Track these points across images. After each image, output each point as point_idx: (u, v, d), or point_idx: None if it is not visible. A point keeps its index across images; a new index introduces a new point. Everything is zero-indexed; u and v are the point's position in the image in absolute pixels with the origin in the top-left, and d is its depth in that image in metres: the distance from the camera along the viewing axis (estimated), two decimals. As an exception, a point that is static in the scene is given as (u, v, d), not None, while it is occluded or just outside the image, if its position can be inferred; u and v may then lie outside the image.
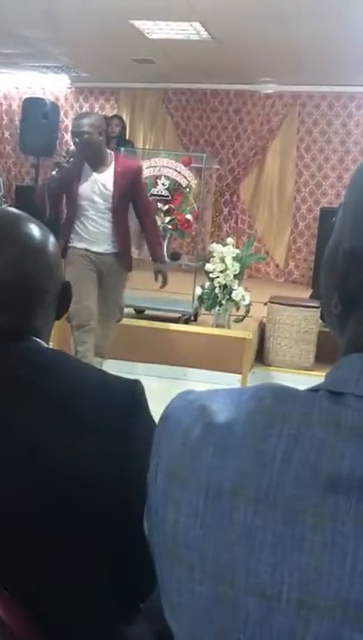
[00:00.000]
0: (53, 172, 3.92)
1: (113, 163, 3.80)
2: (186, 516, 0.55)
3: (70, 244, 3.84)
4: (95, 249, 3.84)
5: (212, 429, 0.56)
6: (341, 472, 0.49)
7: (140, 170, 4.04)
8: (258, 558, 0.50)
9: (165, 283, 4.23)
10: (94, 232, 3.82)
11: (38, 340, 0.92)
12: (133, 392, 0.89)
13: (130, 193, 3.83)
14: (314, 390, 0.55)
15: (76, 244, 3.84)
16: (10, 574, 0.81)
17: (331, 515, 0.49)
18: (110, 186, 3.76)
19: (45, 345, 0.93)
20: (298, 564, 0.49)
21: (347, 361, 0.55)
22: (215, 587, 0.53)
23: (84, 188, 3.77)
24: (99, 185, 3.77)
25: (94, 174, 3.77)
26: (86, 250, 3.83)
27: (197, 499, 0.54)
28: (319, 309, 4.83)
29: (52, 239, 0.95)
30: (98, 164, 3.77)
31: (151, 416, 0.90)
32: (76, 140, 3.71)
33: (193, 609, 0.54)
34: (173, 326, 4.96)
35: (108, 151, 3.89)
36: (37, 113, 8.17)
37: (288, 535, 0.50)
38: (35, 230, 0.92)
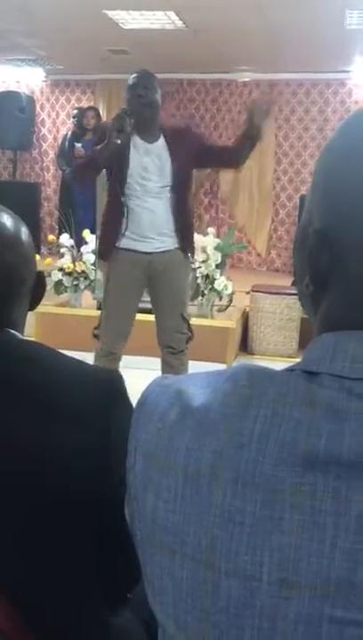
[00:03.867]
0: (116, 140, 2.84)
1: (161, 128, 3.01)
2: (165, 500, 0.55)
3: (116, 244, 3.03)
4: (147, 248, 3.02)
5: (188, 412, 0.56)
6: (317, 450, 0.49)
7: (191, 123, 3.30)
8: (238, 540, 0.50)
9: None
10: (147, 223, 2.98)
11: (14, 331, 0.91)
12: (112, 382, 0.89)
13: (193, 159, 2.99)
14: (290, 370, 0.55)
15: (123, 242, 3.01)
16: None
17: (309, 493, 0.49)
18: (167, 156, 2.95)
19: (21, 337, 0.92)
20: (278, 544, 0.49)
21: (320, 340, 0.55)
22: (196, 570, 0.52)
23: (135, 165, 2.95)
24: (153, 157, 2.96)
25: (144, 145, 2.97)
26: (135, 251, 3.02)
27: (176, 482, 0.54)
28: (301, 297, 4.87)
29: (25, 229, 0.94)
30: (154, 134, 2.98)
31: (131, 405, 0.90)
32: (141, 93, 2.93)
33: (175, 593, 0.54)
34: (154, 317, 4.95)
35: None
36: (13, 107, 8.09)
37: (267, 515, 0.50)
38: (8, 220, 0.91)
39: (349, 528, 0.48)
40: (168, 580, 0.55)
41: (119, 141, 2.82)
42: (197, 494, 0.53)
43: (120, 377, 0.92)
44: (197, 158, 3.02)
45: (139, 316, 4.88)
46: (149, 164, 2.96)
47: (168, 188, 2.97)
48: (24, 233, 0.93)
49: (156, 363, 4.71)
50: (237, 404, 0.53)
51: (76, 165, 3.41)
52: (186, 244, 3.08)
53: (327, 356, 0.53)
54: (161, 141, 2.99)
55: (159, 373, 4.52)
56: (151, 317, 4.69)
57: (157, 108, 2.99)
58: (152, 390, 0.61)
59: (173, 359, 3.31)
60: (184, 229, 3.06)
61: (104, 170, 3.05)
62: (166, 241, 3.03)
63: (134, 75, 3.08)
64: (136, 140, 2.97)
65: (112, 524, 0.80)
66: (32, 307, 0.97)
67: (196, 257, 4.12)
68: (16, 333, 0.91)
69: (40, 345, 0.94)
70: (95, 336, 3.30)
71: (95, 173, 3.14)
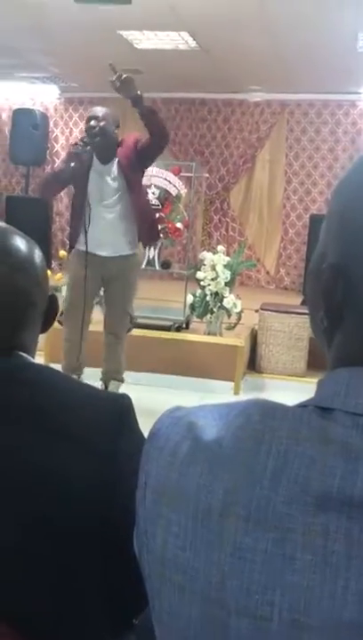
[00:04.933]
0: (71, 164, 3.55)
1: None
2: (175, 536, 0.54)
3: (76, 246, 3.68)
4: (103, 253, 3.65)
5: (200, 446, 0.55)
6: (331, 489, 0.49)
7: (136, 138, 3.73)
8: (249, 578, 0.50)
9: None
10: (98, 232, 3.58)
11: (25, 355, 0.91)
12: (122, 408, 0.89)
13: (137, 179, 3.65)
14: (303, 406, 0.55)
15: (81, 246, 3.61)
16: None
17: (322, 533, 0.48)
18: (118, 175, 3.60)
19: (32, 360, 0.92)
20: (290, 584, 0.48)
21: (334, 375, 0.55)
22: (206, 608, 0.52)
23: (92, 182, 3.59)
24: (105, 177, 3.60)
25: (99, 167, 3.62)
26: (93, 254, 3.59)
27: (186, 518, 0.53)
28: (311, 316, 4.85)
29: (38, 252, 0.94)
30: (107, 157, 3.60)
31: (140, 432, 0.89)
32: (93, 124, 3.56)
33: (184, 630, 0.53)
34: (164, 334, 4.96)
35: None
36: (27, 123, 8.18)
37: (279, 554, 0.49)
38: (22, 244, 0.91)
39: (361, 570, 0.47)
40: (177, 616, 0.54)
41: (73, 164, 3.51)
42: (208, 531, 0.52)
43: (129, 402, 0.92)
44: (137, 157, 3.61)
45: (145, 333, 4.90)
46: (104, 183, 3.60)
47: (121, 201, 3.62)
48: (37, 256, 0.93)
49: (162, 379, 4.72)
50: (250, 440, 0.53)
51: (44, 180, 3.95)
52: (135, 252, 3.75)
53: (341, 391, 0.52)
54: (115, 162, 3.62)
55: (166, 390, 4.52)
56: (158, 334, 4.70)
57: (109, 136, 3.59)
58: (163, 422, 0.60)
59: (114, 343, 3.94)
60: (140, 234, 3.71)
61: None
62: (121, 247, 3.68)
63: (90, 109, 3.79)
64: (95, 162, 3.61)
65: (117, 549, 0.79)
66: (44, 329, 0.97)
67: (199, 274, 4.89)
68: (27, 356, 0.91)
69: (50, 369, 0.94)
70: (60, 322, 3.72)
71: (59, 189, 3.82)
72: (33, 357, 0.93)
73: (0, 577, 0.81)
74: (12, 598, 0.81)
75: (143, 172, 3.83)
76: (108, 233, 3.63)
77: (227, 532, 0.51)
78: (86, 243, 3.53)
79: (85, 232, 3.52)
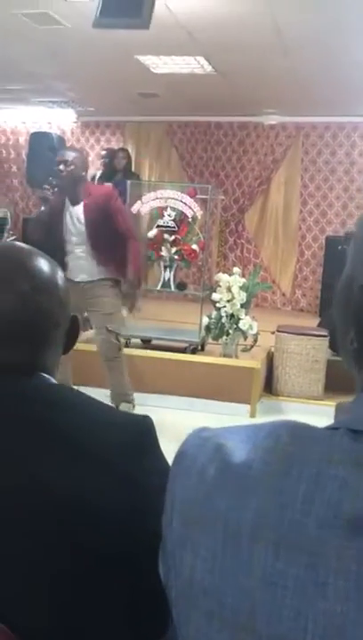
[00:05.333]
0: (42, 207, 4.00)
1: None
2: (203, 559, 0.53)
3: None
4: (78, 279, 3.89)
5: (228, 469, 0.54)
6: None
7: (109, 197, 4.00)
8: (280, 604, 0.48)
9: (131, 307, 4.16)
10: (75, 263, 3.93)
11: (47, 375, 0.90)
12: (144, 429, 0.88)
13: (103, 222, 3.88)
14: (334, 428, 0.54)
15: (65, 273, 3.96)
16: (19, 615, 0.78)
17: (355, 558, 0.47)
18: (82, 218, 3.89)
19: (53, 381, 0.92)
20: (322, 610, 0.47)
21: None
22: (235, 634, 0.50)
23: (66, 221, 3.92)
24: (74, 218, 3.91)
25: (70, 207, 3.91)
26: (72, 280, 3.78)
27: (215, 542, 0.52)
28: (328, 338, 4.82)
29: (60, 273, 0.95)
30: (76, 199, 3.89)
31: (162, 453, 0.89)
32: (61, 168, 3.80)
33: None
34: (179, 356, 4.94)
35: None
36: (44, 147, 8.28)
37: (311, 580, 0.48)
38: (45, 265, 0.92)
39: None
40: None
41: (43, 208, 3.95)
42: (237, 555, 0.51)
43: (151, 423, 0.91)
44: (108, 224, 3.91)
45: (160, 354, 4.89)
46: (74, 223, 3.90)
47: (84, 240, 3.90)
48: (59, 277, 0.93)
49: (178, 401, 4.69)
50: (280, 462, 0.52)
51: (32, 224, 4.24)
52: (111, 274, 4.00)
53: None
54: (80, 207, 3.88)
55: (182, 412, 4.49)
56: (173, 356, 4.71)
57: (78, 180, 3.85)
58: (190, 443, 0.59)
59: (110, 366, 4.10)
60: (108, 263, 3.96)
61: None
62: (93, 274, 3.95)
63: (62, 150, 4.12)
64: (67, 203, 3.91)
65: (142, 573, 0.78)
66: (65, 350, 0.97)
67: (214, 296, 4.95)
68: (49, 377, 0.91)
69: (72, 390, 0.93)
70: None
71: (44, 230, 4.02)
72: (55, 378, 0.93)
73: (22, 597, 0.80)
74: (34, 617, 0.80)
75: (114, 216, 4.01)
76: (82, 264, 3.93)
77: (257, 557, 0.50)
78: (65, 272, 3.77)
79: (64, 264, 3.87)
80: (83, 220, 3.88)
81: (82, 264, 3.93)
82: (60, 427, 0.84)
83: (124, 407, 4.00)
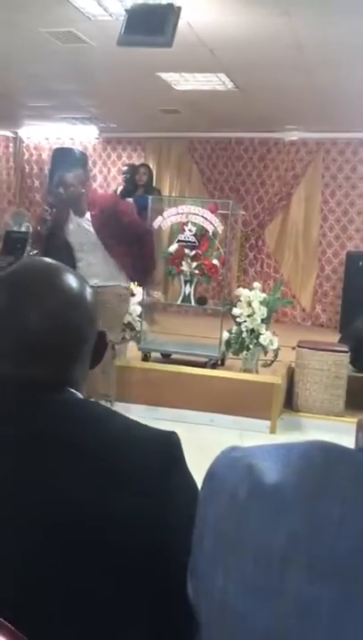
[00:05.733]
0: (39, 227, 4.26)
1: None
2: (235, 582, 0.52)
3: None
4: (90, 283, 4.10)
5: (260, 490, 0.54)
6: None
7: (113, 202, 4.29)
8: (314, 630, 0.47)
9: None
10: (88, 268, 4.06)
11: (75, 391, 0.91)
12: (170, 446, 0.87)
13: (113, 227, 4.10)
14: None
15: None
16: (42, 634, 0.78)
17: None
18: (92, 228, 4.12)
19: (81, 396, 0.92)
20: (356, 636, 0.46)
21: None
22: None
23: (73, 231, 4.15)
24: (83, 228, 4.14)
25: (76, 219, 4.15)
26: None
27: (247, 564, 0.52)
28: (349, 354, 4.78)
29: (89, 289, 0.95)
30: (81, 211, 4.14)
31: (188, 470, 0.88)
32: (61, 190, 4.06)
33: None
34: (199, 371, 4.93)
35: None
36: (67, 162, 8.37)
37: (345, 605, 0.47)
38: (74, 281, 0.92)
39: None
40: None
41: (42, 230, 4.19)
42: (269, 578, 0.50)
43: (178, 439, 0.90)
44: (117, 225, 4.10)
45: (180, 369, 4.88)
46: (82, 232, 4.13)
47: (96, 246, 4.12)
48: (88, 293, 0.94)
49: (198, 416, 4.67)
50: (313, 484, 0.51)
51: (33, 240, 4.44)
52: (125, 279, 4.23)
53: None
54: (87, 215, 4.11)
55: (202, 427, 4.47)
56: (193, 370, 4.72)
57: (77, 198, 4.08)
58: (221, 464, 0.59)
59: (102, 371, 4.17)
60: (125, 262, 4.17)
61: None
62: (106, 278, 4.13)
63: (60, 175, 4.23)
64: (71, 214, 4.16)
65: (168, 593, 0.77)
66: (93, 365, 0.97)
67: (235, 310, 4.98)
68: (76, 393, 0.91)
69: (99, 405, 0.93)
70: None
71: (43, 246, 4.31)
72: (82, 393, 0.93)
73: (48, 614, 0.79)
74: (58, 633, 0.79)
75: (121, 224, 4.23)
76: (96, 270, 4.12)
77: (289, 581, 0.49)
78: None
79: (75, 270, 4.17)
80: (92, 230, 4.10)
81: (96, 269, 4.10)
82: (88, 442, 0.84)
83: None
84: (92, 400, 0.93)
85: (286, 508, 0.51)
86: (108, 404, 4.19)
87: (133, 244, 4.19)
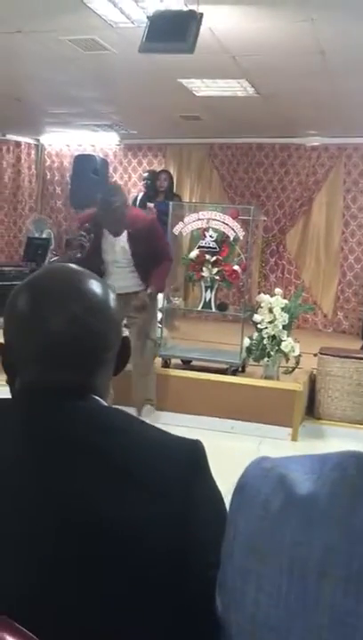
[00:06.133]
0: (77, 253, 4.20)
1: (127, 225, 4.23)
2: (268, 594, 0.51)
3: None
4: (120, 291, 4.19)
5: (294, 501, 0.52)
6: None
7: (151, 227, 4.34)
8: None
9: (139, 306, 4.29)
10: (117, 277, 4.21)
11: (98, 398, 0.90)
12: (195, 454, 0.86)
13: (146, 247, 4.22)
14: None
15: None
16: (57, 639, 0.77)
17: None
18: (128, 247, 4.24)
19: (105, 403, 0.91)
20: None
21: None
22: None
23: (107, 249, 4.27)
24: (118, 247, 4.25)
25: (112, 238, 4.25)
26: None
27: (280, 576, 0.50)
28: (372, 361, 4.72)
29: (112, 295, 0.94)
30: (118, 232, 4.23)
31: (213, 480, 0.87)
32: (107, 209, 4.10)
33: None
34: (220, 377, 4.91)
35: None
36: (88, 169, 8.43)
37: None
38: (96, 286, 0.91)
39: None
40: None
41: (79, 255, 4.16)
42: (304, 591, 0.48)
43: (202, 448, 0.89)
44: (148, 249, 4.25)
45: (201, 375, 4.87)
46: (116, 251, 4.26)
47: (130, 263, 4.28)
48: (111, 299, 0.93)
49: (218, 423, 4.65)
50: (347, 496, 0.50)
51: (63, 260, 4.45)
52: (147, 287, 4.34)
53: None
54: (124, 236, 4.23)
55: (223, 434, 4.44)
56: (214, 377, 4.75)
57: (120, 216, 4.14)
58: (252, 474, 0.57)
59: (145, 371, 4.45)
60: (146, 276, 4.31)
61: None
62: (134, 285, 4.30)
63: (105, 195, 4.24)
64: (105, 233, 4.26)
65: (191, 603, 0.76)
66: (116, 372, 0.96)
67: (256, 317, 5.01)
68: (100, 400, 0.90)
69: (122, 412, 0.92)
70: None
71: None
72: (106, 400, 0.92)
73: (63, 620, 0.78)
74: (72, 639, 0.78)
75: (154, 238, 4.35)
76: (124, 279, 4.25)
77: (325, 593, 0.47)
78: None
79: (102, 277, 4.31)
80: (128, 249, 4.22)
81: (124, 278, 4.25)
82: (112, 451, 0.83)
83: (147, 410, 4.34)
84: (116, 407, 0.92)
85: (321, 519, 0.50)
86: (153, 408, 4.41)
87: (156, 265, 4.34)
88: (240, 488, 0.57)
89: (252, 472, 0.58)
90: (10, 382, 0.92)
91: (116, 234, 4.25)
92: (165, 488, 0.82)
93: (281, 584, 0.50)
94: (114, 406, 0.92)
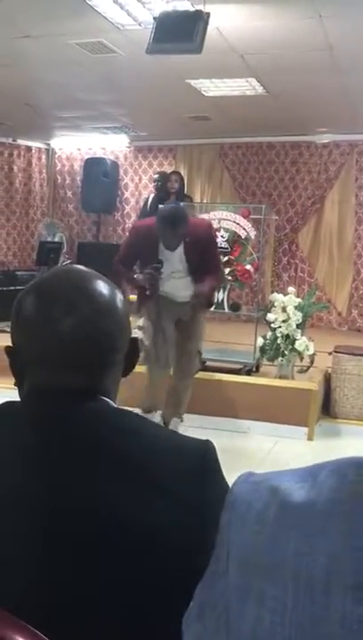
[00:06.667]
0: (145, 285, 3.98)
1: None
2: (272, 611, 0.49)
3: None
4: (178, 299, 4.03)
5: (289, 510, 0.50)
6: None
7: (209, 231, 4.14)
8: None
9: (197, 296, 4.02)
10: (172, 284, 4.00)
11: (107, 399, 0.89)
12: (206, 455, 0.86)
13: (202, 254, 3.97)
14: None
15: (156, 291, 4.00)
16: None
17: None
18: (184, 257, 3.96)
19: (114, 405, 0.90)
20: None
21: None
22: None
23: (162, 257, 3.94)
24: (175, 259, 3.97)
25: (169, 252, 3.94)
26: (169, 298, 4.01)
27: (284, 591, 0.48)
28: (387, 359, 4.68)
29: (120, 295, 0.93)
30: (175, 247, 3.94)
31: (225, 479, 0.86)
32: (172, 231, 3.81)
33: None
34: (234, 378, 4.89)
35: None
36: (98, 172, 8.46)
37: None
38: (105, 288, 0.91)
39: None
40: None
41: (149, 293, 3.97)
42: (312, 603, 0.47)
43: (213, 448, 0.89)
44: (205, 254, 3.99)
45: (214, 376, 4.85)
46: (172, 263, 3.95)
47: (186, 270, 3.99)
48: (119, 300, 0.92)
49: (232, 423, 4.62)
50: (348, 502, 0.48)
51: (116, 272, 3.99)
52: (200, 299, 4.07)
53: None
54: (180, 249, 3.93)
55: (237, 435, 4.42)
56: (227, 377, 4.71)
57: (182, 237, 3.85)
58: (240, 489, 0.56)
59: (183, 385, 4.23)
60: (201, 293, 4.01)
61: None
62: (186, 296, 4.03)
63: (165, 211, 4.01)
64: (161, 247, 3.93)
65: None
66: (125, 373, 0.96)
67: (269, 316, 4.90)
68: (109, 401, 0.89)
69: (132, 414, 0.91)
70: None
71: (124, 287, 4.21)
72: (115, 401, 0.91)
73: (79, 626, 0.77)
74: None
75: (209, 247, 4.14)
76: (177, 288, 4.03)
77: (335, 603, 0.46)
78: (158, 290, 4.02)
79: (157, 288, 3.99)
80: (184, 259, 3.97)
81: (180, 287, 4.03)
82: (121, 452, 0.83)
83: (175, 422, 4.12)
84: (125, 409, 0.91)
85: (322, 528, 0.48)
86: (179, 421, 4.17)
87: (208, 273, 4.06)
88: (230, 505, 0.55)
89: (240, 487, 0.56)
90: (18, 385, 0.92)
91: (173, 247, 3.95)
92: (177, 488, 0.82)
93: (286, 599, 0.48)
94: (122, 407, 0.91)
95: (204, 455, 0.86)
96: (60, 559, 0.78)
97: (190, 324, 4.11)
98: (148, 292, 3.98)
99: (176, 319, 4.08)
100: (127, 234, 8.32)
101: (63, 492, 0.80)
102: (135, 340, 0.96)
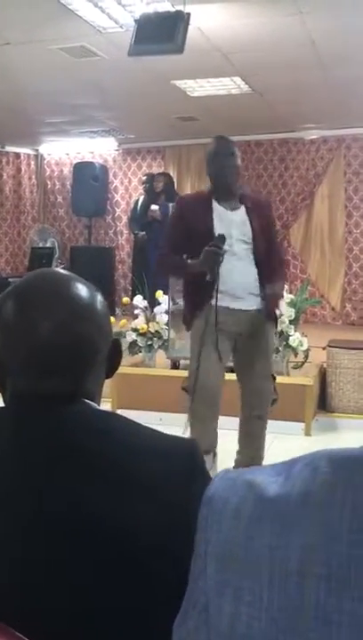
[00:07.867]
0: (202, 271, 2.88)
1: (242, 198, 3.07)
2: (248, 605, 0.49)
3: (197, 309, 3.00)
4: (238, 306, 2.98)
5: (265, 504, 0.51)
6: None
7: (271, 208, 3.37)
8: None
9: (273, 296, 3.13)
10: (235, 283, 2.94)
11: (90, 402, 0.89)
12: (191, 455, 0.86)
13: (265, 236, 3.03)
14: None
15: (211, 301, 2.90)
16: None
17: None
18: (248, 224, 2.98)
19: (97, 407, 0.90)
20: None
21: None
22: None
23: (218, 229, 2.92)
24: (235, 224, 2.97)
25: (228, 212, 2.98)
26: (227, 308, 2.94)
27: (260, 584, 0.49)
28: (381, 351, 4.69)
29: (100, 297, 0.94)
30: (233, 200, 3.01)
31: (210, 477, 0.86)
32: (224, 163, 2.99)
33: None
34: (229, 376, 4.88)
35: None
36: (88, 176, 8.46)
37: None
38: (82, 290, 0.91)
39: None
40: None
41: (209, 278, 2.85)
42: (287, 595, 0.47)
43: (197, 447, 0.89)
44: (267, 233, 3.09)
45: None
46: (230, 233, 2.91)
47: (251, 249, 2.98)
48: (99, 302, 0.92)
49: (229, 421, 4.62)
50: (321, 492, 0.49)
51: (163, 263, 3.24)
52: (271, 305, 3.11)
53: None
54: (242, 209, 3.01)
55: (235, 432, 4.42)
56: (230, 376, 4.63)
57: (238, 175, 3.06)
58: (217, 486, 0.56)
59: (260, 425, 3.42)
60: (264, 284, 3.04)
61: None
62: (254, 302, 3.01)
63: (215, 143, 3.15)
64: (218, 209, 2.97)
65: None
66: (108, 375, 0.96)
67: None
68: (92, 403, 0.89)
69: (116, 415, 0.92)
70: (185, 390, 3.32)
71: (177, 278, 3.70)
72: (98, 404, 0.91)
73: (67, 629, 0.78)
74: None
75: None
76: (240, 280, 2.99)
77: (308, 595, 0.46)
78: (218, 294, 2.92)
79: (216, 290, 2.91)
80: (248, 223, 2.96)
81: (242, 273, 2.98)
82: (104, 453, 0.83)
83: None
84: (109, 410, 0.91)
85: (295, 520, 0.49)
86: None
87: (274, 269, 3.18)
88: (207, 501, 0.56)
89: (217, 484, 0.56)
90: (1, 391, 0.92)
91: (233, 204, 2.99)
92: (162, 489, 0.82)
93: (262, 592, 0.49)
94: (106, 409, 0.91)
95: (190, 455, 0.86)
96: (37, 562, 0.78)
97: (262, 339, 3.11)
98: (208, 278, 2.84)
99: (237, 336, 3.09)
100: (130, 236, 8.27)
101: (43, 495, 0.80)
102: (117, 341, 0.96)
